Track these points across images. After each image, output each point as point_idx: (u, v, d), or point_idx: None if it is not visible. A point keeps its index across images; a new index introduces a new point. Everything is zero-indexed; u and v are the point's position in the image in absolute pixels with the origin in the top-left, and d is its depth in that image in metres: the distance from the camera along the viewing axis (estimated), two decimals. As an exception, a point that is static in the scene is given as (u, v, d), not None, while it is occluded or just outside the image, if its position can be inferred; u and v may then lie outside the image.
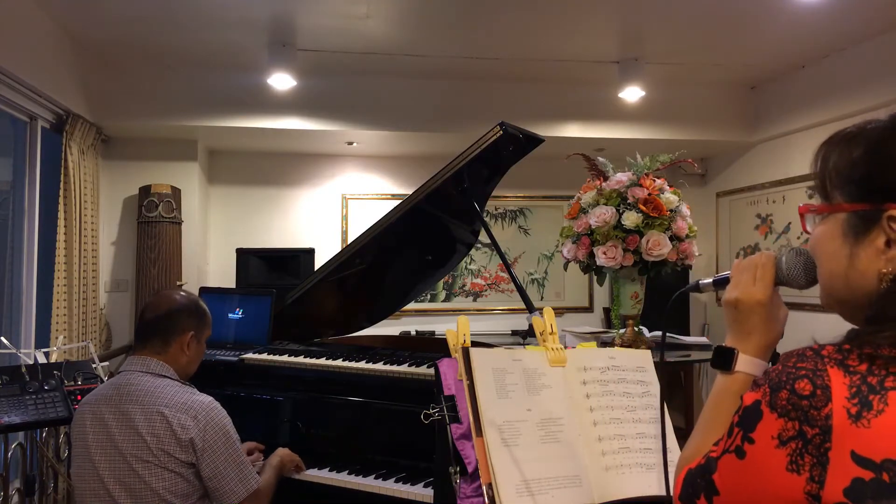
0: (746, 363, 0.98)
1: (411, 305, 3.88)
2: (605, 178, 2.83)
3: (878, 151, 0.80)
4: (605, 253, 2.67)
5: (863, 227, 0.80)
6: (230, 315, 2.82)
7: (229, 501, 1.87)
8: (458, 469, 1.31)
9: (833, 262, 0.84)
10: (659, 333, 3.48)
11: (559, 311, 5.67)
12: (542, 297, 5.85)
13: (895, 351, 0.73)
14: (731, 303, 1.00)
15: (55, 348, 3.14)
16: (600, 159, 2.93)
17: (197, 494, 1.87)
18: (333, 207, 5.65)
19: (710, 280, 1.14)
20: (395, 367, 2.24)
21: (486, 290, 5.83)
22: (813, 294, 0.87)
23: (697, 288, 1.16)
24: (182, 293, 2.14)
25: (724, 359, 0.99)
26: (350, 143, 5.25)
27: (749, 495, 0.76)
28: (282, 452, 2.18)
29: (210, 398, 1.92)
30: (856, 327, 0.79)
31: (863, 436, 0.69)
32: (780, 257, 0.99)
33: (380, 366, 2.27)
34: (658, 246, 2.65)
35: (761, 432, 0.75)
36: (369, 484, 2.11)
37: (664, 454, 1.25)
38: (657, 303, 3.44)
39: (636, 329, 2.94)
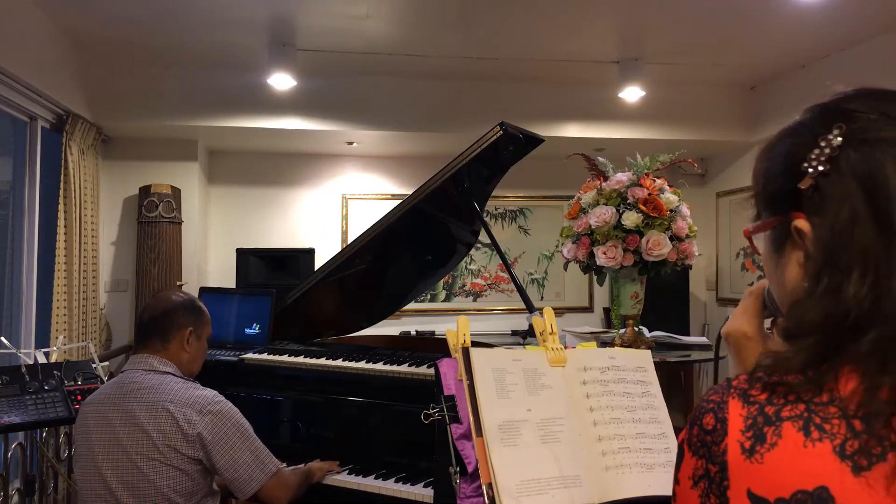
0: None
1: (411, 305, 3.88)
2: (605, 178, 2.83)
3: (778, 156, 0.73)
4: (605, 253, 2.67)
5: (780, 242, 0.73)
6: (230, 315, 2.82)
7: (249, 489, 1.86)
8: (458, 469, 1.31)
9: (773, 283, 0.78)
10: (659, 333, 3.48)
11: (559, 311, 5.67)
12: (542, 297, 5.85)
13: (800, 376, 0.65)
14: (724, 337, 0.94)
15: (55, 348, 3.14)
16: (600, 159, 2.93)
17: (201, 493, 1.87)
18: (333, 207, 5.65)
19: None
20: (395, 367, 2.24)
21: (486, 290, 5.83)
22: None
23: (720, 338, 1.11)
24: (178, 293, 2.15)
25: None
26: (350, 143, 5.25)
27: None
28: (314, 465, 2.17)
29: (214, 391, 1.92)
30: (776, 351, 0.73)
31: (757, 472, 0.63)
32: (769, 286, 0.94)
33: (380, 366, 2.27)
34: (658, 246, 2.65)
35: (682, 473, 0.70)
36: (369, 484, 2.11)
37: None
38: (657, 303, 3.45)
39: (636, 329, 2.94)
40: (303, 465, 2.14)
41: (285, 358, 2.45)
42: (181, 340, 2.00)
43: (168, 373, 1.95)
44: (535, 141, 2.43)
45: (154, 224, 4.68)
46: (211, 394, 1.90)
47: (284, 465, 2.12)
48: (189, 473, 1.83)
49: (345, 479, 2.15)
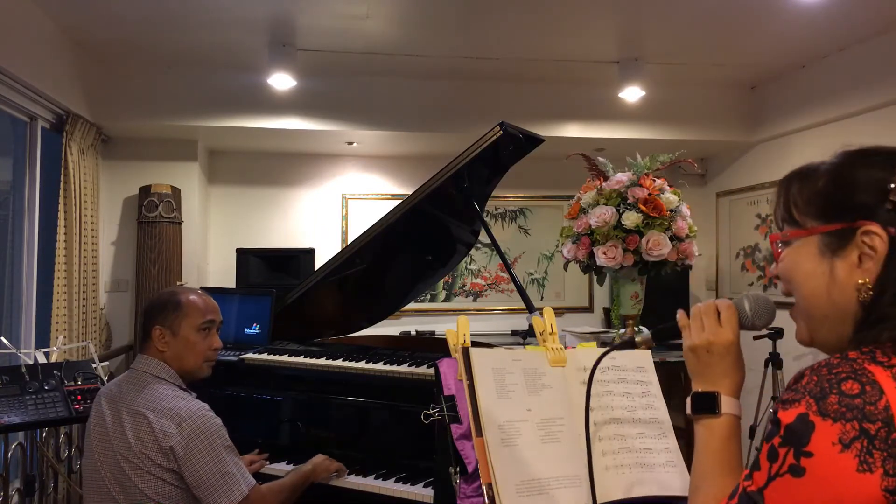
0: (730, 404, 1.01)
1: (411, 305, 3.88)
2: (605, 178, 2.83)
3: (841, 178, 0.90)
4: (605, 253, 2.67)
5: (839, 244, 0.88)
6: (230, 315, 2.82)
7: None
8: (458, 469, 1.31)
9: (813, 281, 0.90)
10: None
11: (559, 311, 5.67)
12: (542, 297, 5.84)
13: None
14: (702, 347, 1.03)
15: (55, 348, 3.14)
16: (600, 159, 2.93)
17: (185, 498, 1.85)
18: (333, 207, 5.65)
19: (650, 332, 1.18)
20: (395, 367, 2.24)
21: (486, 290, 5.83)
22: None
23: (633, 344, 1.22)
24: (164, 291, 2.16)
25: (707, 403, 1.01)
26: (350, 143, 5.25)
27: None
28: (317, 460, 2.12)
29: (201, 405, 1.87)
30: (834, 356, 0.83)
31: None
32: (741, 302, 1.05)
33: (380, 366, 2.27)
34: (658, 246, 2.65)
35: (818, 442, 0.75)
36: (369, 484, 2.11)
37: (590, 463, 1.29)
38: (657, 303, 3.45)
39: (636, 329, 2.94)
40: (302, 468, 2.10)
41: (285, 358, 2.45)
42: (156, 340, 1.97)
43: (161, 377, 1.92)
44: (535, 141, 2.43)
45: (154, 224, 4.68)
46: (196, 407, 1.85)
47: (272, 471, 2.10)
48: (167, 481, 1.81)
49: (344, 479, 2.15)
